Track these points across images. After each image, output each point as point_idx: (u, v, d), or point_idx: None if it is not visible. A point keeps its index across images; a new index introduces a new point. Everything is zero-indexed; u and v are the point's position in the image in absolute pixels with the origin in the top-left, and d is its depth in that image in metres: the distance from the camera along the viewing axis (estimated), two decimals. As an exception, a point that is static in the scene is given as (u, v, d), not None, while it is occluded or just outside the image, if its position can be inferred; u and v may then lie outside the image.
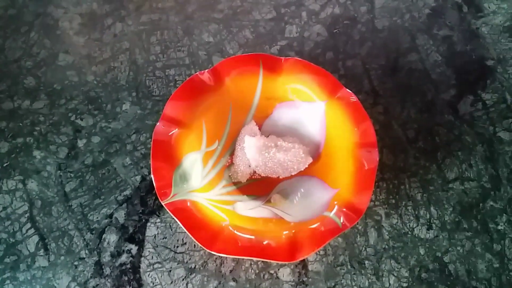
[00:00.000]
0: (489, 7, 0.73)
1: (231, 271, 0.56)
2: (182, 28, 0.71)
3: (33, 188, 0.61)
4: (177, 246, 0.57)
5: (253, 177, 0.60)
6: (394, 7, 0.73)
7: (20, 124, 0.64)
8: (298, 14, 0.73)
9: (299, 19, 0.72)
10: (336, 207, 0.55)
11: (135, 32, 0.71)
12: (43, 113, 0.65)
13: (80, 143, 0.63)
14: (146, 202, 0.60)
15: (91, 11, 0.73)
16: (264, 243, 0.54)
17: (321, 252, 0.57)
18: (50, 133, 0.64)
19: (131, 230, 0.58)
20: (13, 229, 0.58)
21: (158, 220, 0.58)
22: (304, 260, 0.56)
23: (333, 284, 0.55)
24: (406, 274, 0.56)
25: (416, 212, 0.59)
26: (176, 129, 0.56)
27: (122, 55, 0.69)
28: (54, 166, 0.62)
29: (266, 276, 0.56)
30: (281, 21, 0.72)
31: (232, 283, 0.56)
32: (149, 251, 0.57)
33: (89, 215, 0.59)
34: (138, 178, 0.61)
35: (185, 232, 0.57)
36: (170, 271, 0.56)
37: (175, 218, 0.52)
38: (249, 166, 0.60)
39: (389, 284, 0.55)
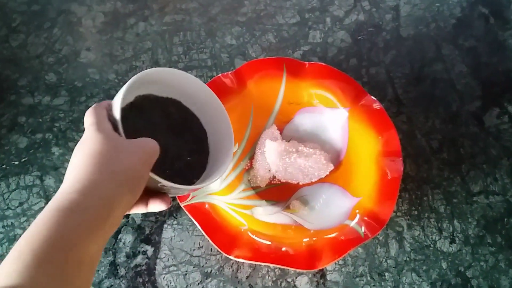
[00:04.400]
0: (516, 19, 0.72)
1: (247, 277, 0.55)
2: (205, 29, 0.71)
3: (50, 184, 0.60)
4: (194, 250, 0.56)
5: (272, 182, 0.59)
6: (419, 16, 0.72)
7: (40, 119, 0.64)
8: (322, 19, 0.72)
9: (323, 25, 0.71)
10: (357, 216, 0.53)
11: (158, 32, 0.71)
12: (63, 110, 0.65)
13: (99, 141, 0.62)
14: (164, 203, 0.59)
15: (115, 10, 0.73)
16: (283, 250, 0.53)
17: (341, 262, 0.56)
18: (69, 130, 0.63)
19: (147, 231, 0.57)
20: (29, 225, 0.58)
21: (175, 222, 0.58)
22: (322, 269, 0.55)
23: (351, 295, 0.54)
24: (427, 288, 0.54)
25: (439, 225, 0.57)
26: (197, 131, 0.55)
27: (144, 54, 0.69)
28: (72, 163, 0.61)
29: (283, 284, 0.54)
30: (305, 26, 0.71)
31: (248, 290, 0.55)
32: (165, 253, 0.56)
33: (105, 214, 0.58)
34: (156, 178, 0.60)
35: (202, 235, 0.57)
36: (185, 274, 0.55)
37: (193, 220, 0.51)
38: (269, 170, 0.59)
39: (410, 297, 0.54)
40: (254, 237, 0.54)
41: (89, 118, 0.37)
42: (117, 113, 0.37)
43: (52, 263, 0.29)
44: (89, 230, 0.31)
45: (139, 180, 0.35)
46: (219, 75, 0.58)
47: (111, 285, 0.54)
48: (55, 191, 0.59)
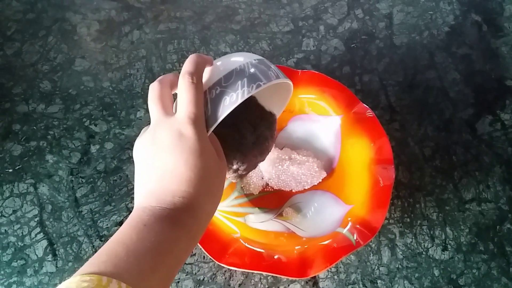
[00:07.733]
0: (509, 26, 0.73)
1: (240, 285, 0.55)
2: (199, 37, 0.71)
3: (44, 192, 0.60)
4: (186, 257, 0.56)
5: (265, 189, 0.59)
6: (412, 24, 0.73)
7: (34, 127, 0.64)
8: (316, 27, 0.72)
9: (317, 33, 0.72)
10: (349, 224, 0.53)
11: (152, 40, 0.71)
12: (58, 118, 0.65)
13: (93, 149, 0.63)
14: (157, 211, 0.59)
15: (109, 18, 0.73)
16: (275, 257, 0.53)
17: (333, 270, 0.56)
18: (63, 138, 0.64)
19: (140, 238, 0.57)
20: (22, 232, 0.58)
21: (168, 229, 0.58)
22: (315, 276, 0.55)
23: (344, 302, 0.54)
24: (420, 296, 0.54)
25: (431, 232, 0.58)
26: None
27: (138, 62, 0.69)
28: (66, 171, 0.61)
29: (275, 292, 0.55)
30: (299, 34, 0.72)
31: (240, 297, 0.55)
32: (157, 260, 0.56)
33: (99, 221, 0.58)
34: (150, 186, 0.60)
35: (195, 243, 0.57)
36: (178, 282, 0.55)
37: (186, 228, 0.51)
38: (262, 178, 0.59)
39: (402, 305, 0.54)
40: (246, 244, 0.54)
41: (190, 106, 0.35)
42: (223, 114, 0.37)
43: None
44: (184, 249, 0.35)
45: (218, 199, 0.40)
46: (212, 83, 0.58)
47: (104, 293, 0.54)
48: (48, 199, 0.59)
